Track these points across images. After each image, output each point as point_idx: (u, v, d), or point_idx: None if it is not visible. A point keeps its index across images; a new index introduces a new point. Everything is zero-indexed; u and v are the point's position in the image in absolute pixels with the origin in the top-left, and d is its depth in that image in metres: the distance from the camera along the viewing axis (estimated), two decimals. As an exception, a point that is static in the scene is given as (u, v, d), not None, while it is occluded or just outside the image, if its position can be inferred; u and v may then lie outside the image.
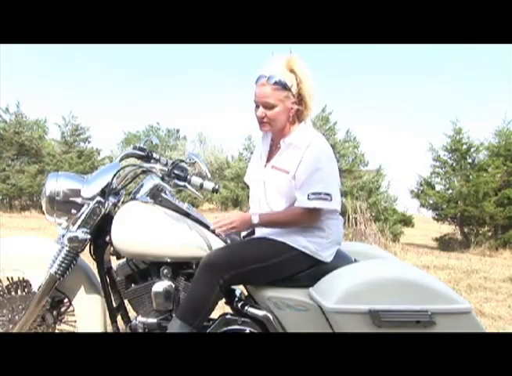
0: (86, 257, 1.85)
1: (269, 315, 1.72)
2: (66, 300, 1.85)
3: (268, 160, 1.85)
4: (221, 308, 1.89)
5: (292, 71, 1.72)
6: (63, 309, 1.88)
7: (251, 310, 1.74)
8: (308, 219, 1.73)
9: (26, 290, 1.81)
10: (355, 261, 1.87)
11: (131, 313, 1.86)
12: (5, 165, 13.70)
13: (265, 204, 1.80)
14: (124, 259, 1.83)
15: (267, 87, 1.71)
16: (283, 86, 1.71)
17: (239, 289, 1.90)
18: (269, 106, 1.72)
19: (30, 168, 13.59)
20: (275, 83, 1.70)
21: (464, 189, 9.41)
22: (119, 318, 1.85)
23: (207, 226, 1.82)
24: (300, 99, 1.75)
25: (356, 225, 7.56)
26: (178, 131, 37.33)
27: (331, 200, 1.68)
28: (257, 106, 1.76)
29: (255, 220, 1.70)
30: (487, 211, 9.17)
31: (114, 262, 1.87)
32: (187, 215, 1.82)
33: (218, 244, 1.79)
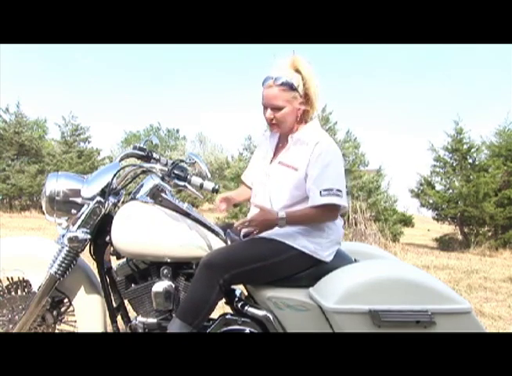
0: (86, 257, 1.86)
1: (269, 315, 1.72)
2: (66, 300, 1.85)
3: (275, 156, 1.86)
4: (221, 308, 1.89)
5: (297, 71, 1.74)
6: (63, 309, 1.88)
7: (251, 310, 1.74)
8: (324, 216, 1.72)
9: (26, 290, 1.81)
10: (355, 261, 1.87)
11: (131, 313, 1.86)
12: (5, 165, 13.68)
13: (267, 199, 1.80)
14: (124, 259, 1.83)
15: (274, 88, 1.72)
16: (290, 87, 1.72)
17: (239, 289, 1.90)
18: (277, 108, 1.74)
19: (30, 168, 13.57)
20: (282, 84, 1.71)
21: (464, 189, 9.39)
22: (119, 318, 1.85)
23: (207, 226, 1.82)
24: (306, 99, 1.77)
25: (356, 225, 7.55)
26: (178, 131, 37.39)
27: (342, 196, 1.70)
28: (266, 108, 1.77)
29: (282, 223, 1.67)
30: (487, 211, 9.15)
31: (114, 262, 1.87)
32: (187, 215, 1.82)
33: (218, 243, 1.79)
